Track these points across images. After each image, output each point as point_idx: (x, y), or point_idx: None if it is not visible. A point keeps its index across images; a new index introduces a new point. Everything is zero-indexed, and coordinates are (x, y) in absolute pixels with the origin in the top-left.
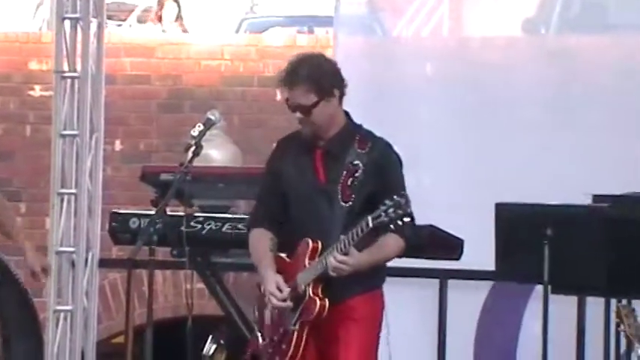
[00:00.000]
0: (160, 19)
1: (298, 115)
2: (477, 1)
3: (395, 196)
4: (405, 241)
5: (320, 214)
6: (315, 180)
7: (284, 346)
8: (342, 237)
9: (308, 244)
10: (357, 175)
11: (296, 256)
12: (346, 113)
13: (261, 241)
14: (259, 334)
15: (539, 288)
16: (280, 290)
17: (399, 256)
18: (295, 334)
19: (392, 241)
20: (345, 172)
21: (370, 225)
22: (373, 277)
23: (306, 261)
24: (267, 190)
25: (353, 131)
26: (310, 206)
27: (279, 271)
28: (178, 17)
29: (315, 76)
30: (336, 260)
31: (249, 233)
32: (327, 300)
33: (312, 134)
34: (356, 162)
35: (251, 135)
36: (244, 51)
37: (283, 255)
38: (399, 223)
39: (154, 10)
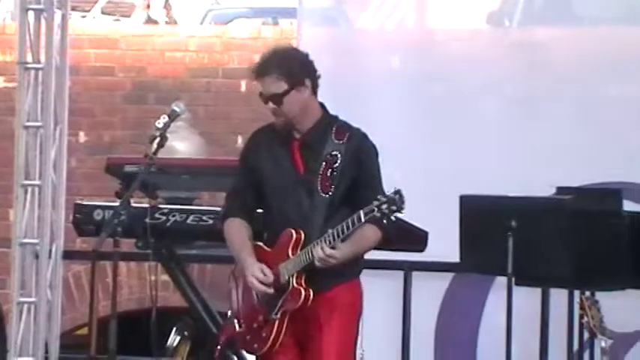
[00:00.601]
0: (148, 6)
1: (271, 105)
2: None
3: (390, 193)
4: (383, 234)
5: (300, 206)
6: (294, 171)
7: (264, 334)
8: (330, 230)
9: (291, 234)
10: (335, 165)
11: (278, 246)
12: (322, 105)
13: (239, 230)
14: (235, 321)
15: (502, 279)
16: (265, 275)
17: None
18: (276, 322)
19: (371, 233)
20: (324, 163)
21: (362, 220)
22: (352, 268)
23: (290, 251)
24: (241, 182)
25: (330, 122)
26: (290, 198)
27: (258, 261)
28: (167, 4)
29: (284, 64)
30: (325, 253)
31: (223, 223)
32: (311, 290)
33: (286, 125)
34: (334, 153)
35: (216, 126)
36: (209, 42)
37: (261, 244)
38: (392, 219)
39: None
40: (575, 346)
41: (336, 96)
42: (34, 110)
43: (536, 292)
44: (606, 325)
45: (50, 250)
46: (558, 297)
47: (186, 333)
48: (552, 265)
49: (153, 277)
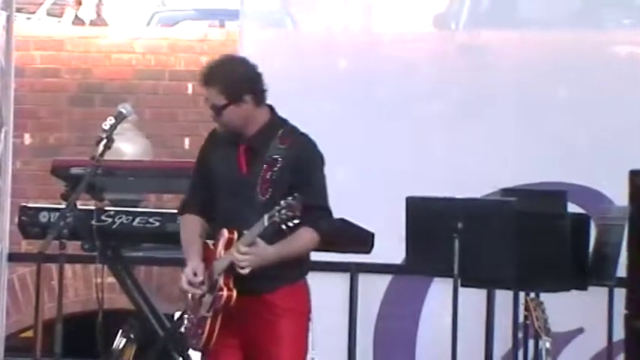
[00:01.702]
0: (79, 3)
1: (211, 113)
2: None
3: (289, 198)
4: (319, 235)
5: (240, 207)
6: (238, 173)
7: (199, 331)
8: (245, 232)
9: (224, 234)
10: (275, 169)
11: (215, 245)
12: (271, 108)
13: (191, 226)
14: (185, 316)
15: (445, 280)
16: (195, 275)
17: (315, 249)
18: (209, 320)
19: (306, 234)
20: (264, 166)
21: (265, 224)
22: (294, 270)
23: (221, 251)
24: (196, 179)
25: (276, 126)
26: (232, 198)
27: (203, 258)
28: (99, 3)
29: (227, 79)
30: (240, 252)
31: (179, 218)
32: (234, 291)
33: (227, 132)
34: (275, 156)
35: (162, 129)
36: (155, 44)
37: (209, 242)
38: (290, 224)
39: None
40: (521, 347)
41: (281, 98)
42: None
43: (477, 292)
44: (550, 326)
45: None
46: (503, 298)
47: (132, 335)
48: (498, 267)
49: (99, 280)
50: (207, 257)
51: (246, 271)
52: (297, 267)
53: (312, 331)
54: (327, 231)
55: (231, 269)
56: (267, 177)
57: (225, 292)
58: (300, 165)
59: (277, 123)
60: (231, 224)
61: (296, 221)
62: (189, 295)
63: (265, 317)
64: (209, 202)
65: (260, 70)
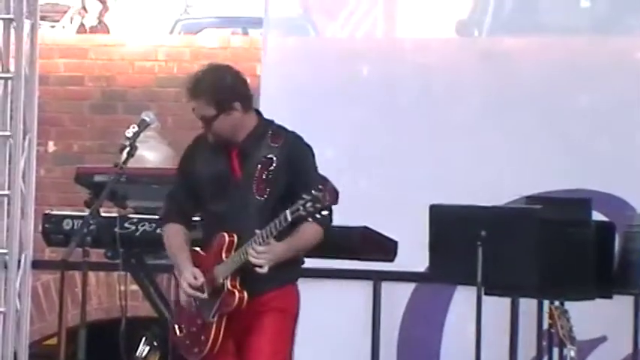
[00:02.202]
0: (85, 10)
1: (200, 124)
2: (410, 3)
3: (313, 191)
4: (323, 229)
5: (235, 210)
6: (231, 177)
7: (202, 337)
8: (258, 231)
9: (224, 237)
10: (271, 168)
11: (212, 250)
12: (257, 112)
13: (176, 235)
14: (176, 326)
15: (468, 288)
16: (196, 279)
17: (318, 244)
18: (214, 325)
19: (310, 230)
20: (259, 167)
21: (289, 219)
22: (287, 273)
23: (224, 254)
24: (178, 187)
25: (265, 128)
26: (227, 202)
27: (195, 265)
28: (102, 9)
29: (214, 90)
30: (256, 252)
31: (162, 227)
32: (245, 292)
33: (218, 142)
34: (269, 155)
35: (185, 136)
36: (178, 52)
37: (198, 249)
38: (317, 216)
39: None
40: (545, 356)
41: (303, 105)
42: (3, 120)
43: (501, 301)
44: (575, 335)
45: (19, 260)
46: (527, 306)
47: (155, 343)
48: (521, 275)
49: (122, 287)
50: (200, 263)
51: (265, 269)
52: (290, 270)
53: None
54: (329, 224)
55: (239, 271)
56: (263, 177)
57: (237, 294)
58: (295, 161)
59: (265, 124)
60: (227, 228)
61: (325, 213)
62: (188, 303)
63: (252, 314)
64: (192, 210)
65: (284, 77)
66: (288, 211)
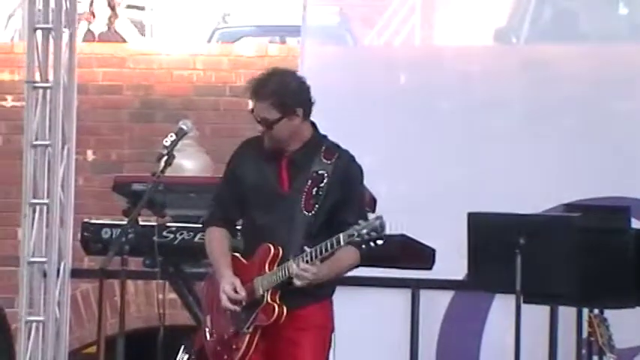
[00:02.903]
0: (93, 15)
1: (260, 127)
2: (448, 11)
3: (371, 218)
4: (360, 257)
5: (281, 222)
6: (279, 188)
7: (234, 346)
8: (308, 249)
9: (270, 249)
10: (322, 185)
11: (255, 260)
12: (313, 124)
13: (220, 240)
14: (207, 330)
15: (502, 295)
16: (236, 292)
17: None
18: (247, 336)
19: (351, 255)
20: (309, 182)
21: (342, 244)
22: (324, 288)
23: (266, 266)
24: (225, 191)
25: (319, 142)
26: (272, 213)
27: (235, 272)
28: (112, 15)
29: (279, 93)
30: (301, 268)
31: (205, 229)
32: (284, 307)
33: (274, 147)
34: (321, 172)
35: (223, 145)
36: (216, 61)
37: (239, 256)
38: (371, 244)
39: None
40: None
41: (343, 113)
42: (42, 129)
43: (540, 309)
44: (614, 343)
45: (58, 269)
46: (566, 314)
47: (193, 351)
48: (560, 283)
49: (160, 296)
50: (241, 271)
51: (303, 284)
52: (328, 286)
53: (334, 347)
54: (367, 255)
55: (280, 285)
56: (313, 192)
57: (276, 308)
58: (347, 180)
59: (320, 138)
60: (270, 239)
61: (380, 242)
62: (225, 310)
63: (292, 330)
64: (237, 215)
65: (321, 85)
66: (341, 236)
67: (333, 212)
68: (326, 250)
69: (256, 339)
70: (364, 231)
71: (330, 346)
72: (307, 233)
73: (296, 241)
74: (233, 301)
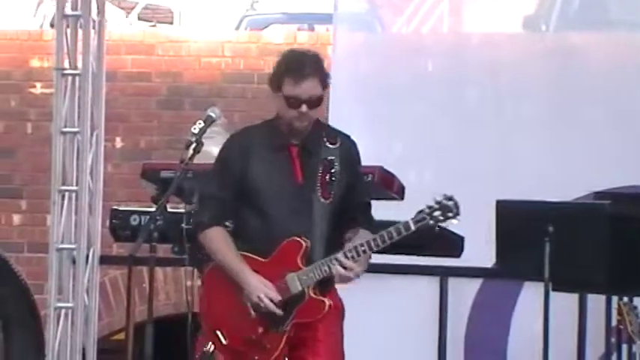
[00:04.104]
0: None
1: (304, 109)
2: None
3: (441, 199)
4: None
5: (301, 215)
6: (293, 178)
7: (268, 346)
8: (351, 244)
9: (300, 244)
10: (333, 171)
11: (280, 256)
12: None
13: (228, 240)
14: (219, 334)
15: (531, 283)
16: (269, 296)
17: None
18: (285, 335)
19: (369, 237)
20: (321, 169)
21: (413, 228)
22: None
23: (299, 261)
24: (223, 187)
25: (320, 126)
26: (289, 205)
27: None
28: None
29: (320, 68)
30: (348, 267)
31: (205, 230)
32: (327, 297)
33: (300, 132)
34: (330, 157)
35: None
36: (244, 48)
37: (251, 255)
38: (444, 225)
39: None
40: (614, 352)
41: (371, 100)
42: (71, 116)
43: (568, 297)
44: None
45: (87, 256)
46: (595, 302)
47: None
48: (589, 271)
49: (189, 283)
50: (259, 270)
51: (343, 282)
52: None
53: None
54: (396, 243)
55: (322, 279)
56: (327, 179)
57: (326, 302)
58: (352, 163)
59: (320, 122)
60: (292, 233)
61: (455, 221)
62: (251, 309)
63: (315, 315)
64: (232, 214)
65: (351, 72)
66: (411, 221)
67: (345, 196)
68: (390, 238)
69: (291, 335)
70: (437, 213)
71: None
72: (327, 222)
73: (321, 230)
74: (277, 303)
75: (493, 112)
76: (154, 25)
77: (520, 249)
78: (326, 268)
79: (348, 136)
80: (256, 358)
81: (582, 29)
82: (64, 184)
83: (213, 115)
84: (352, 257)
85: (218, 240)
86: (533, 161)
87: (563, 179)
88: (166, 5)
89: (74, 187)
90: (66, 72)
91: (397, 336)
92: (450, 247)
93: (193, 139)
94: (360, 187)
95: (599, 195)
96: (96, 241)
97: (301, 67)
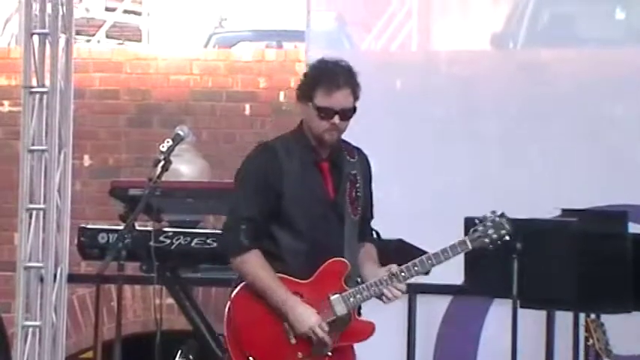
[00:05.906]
0: None
1: (336, 120)
2: (445, 16)
3: (492, 215)
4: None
5: (334, 232)
6: (326, 196)
7: None
8: (419, 262)
9: (345, 265)
10: (357, 186)
11: (323, 277)
12: None
13: (267, 266)
14: (251, 358)
15: (505, 301)
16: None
17: None
18: (326, 358)
19: (375, 252)
20: (348, 184)
21: (470, 247)
22: None
23: (343, 283)
24: (256, 207)
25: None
26: (323, 223)
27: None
28: None
29: (353, 79)
30: (398, 289)
31: (243, 254)
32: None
33: (329, 144)
34: (353, 172)
35: (220, 149)
36: (213, 65)
37: (287, 276)
38: (499, 243)
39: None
40: None
41: None
42: (39, 134)
43: (537, 314)
44: (612, 348)
45: (55, 274)
46: (563, 319)
47: (191, 356)
48: (557, 288)
49: (157, 301)
50: (298, 292)
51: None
52: None
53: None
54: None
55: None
56: (354, 195)
57: (372, 324)
58: (369, 176)
59: None
60: (328, 252)
61: (507, 238)
62: (289, 334)
63: (362, 338)
64: (265, 234)
65: None
66: (467, 239)
67: (364, 211)
68: (446, 258)
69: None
70: (491, 231)
71: None
72: (354, 238)
73: (350, 248)
74: (323, 332)
75: (462, 129)
76: (122, 43)
77: (488, 266)
78: (375, 289)
79: (360, 149)
80: None
81: (550, 46)
82: (31, 202)
83: (181, 133)
84: (404, 277)
85: (259, 265)
86: (501, 177)
87: (532, 195)
88: (135, 23)
89: (42, 205)
90: (34, 90)
91: (366, 353)
92: None
93: (162, 157)
94: (371, 202)
95: (566, 212)
96: (64, 259)
97: (335, 77)
